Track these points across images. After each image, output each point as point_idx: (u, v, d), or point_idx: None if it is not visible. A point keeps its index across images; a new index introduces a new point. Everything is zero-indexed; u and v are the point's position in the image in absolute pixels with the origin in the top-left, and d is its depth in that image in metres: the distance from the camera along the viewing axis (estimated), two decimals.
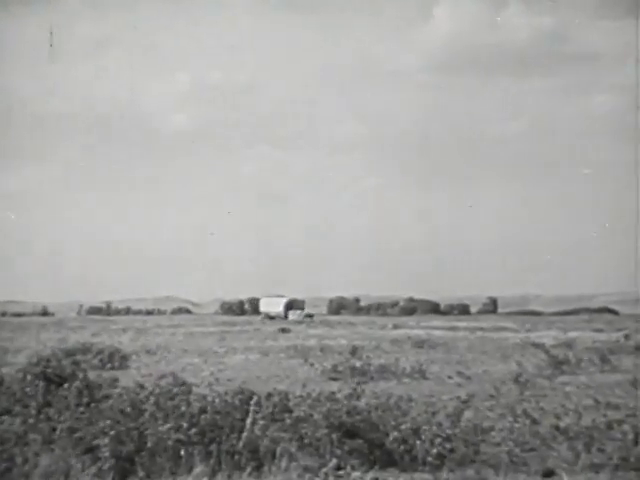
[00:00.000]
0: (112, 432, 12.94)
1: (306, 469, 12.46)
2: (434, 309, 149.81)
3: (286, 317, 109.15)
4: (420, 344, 46.32)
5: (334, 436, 13.33)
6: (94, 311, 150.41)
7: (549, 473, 13.20)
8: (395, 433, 13.64)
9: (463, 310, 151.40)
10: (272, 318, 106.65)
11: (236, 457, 12.96)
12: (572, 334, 56.44)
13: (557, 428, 15.75)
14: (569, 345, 41.85)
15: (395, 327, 74.38)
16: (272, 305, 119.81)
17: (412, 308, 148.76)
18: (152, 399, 14.08)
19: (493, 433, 15.20)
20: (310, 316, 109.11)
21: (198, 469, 12.50)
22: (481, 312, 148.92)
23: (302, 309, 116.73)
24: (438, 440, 13.49)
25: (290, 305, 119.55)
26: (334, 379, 27.01)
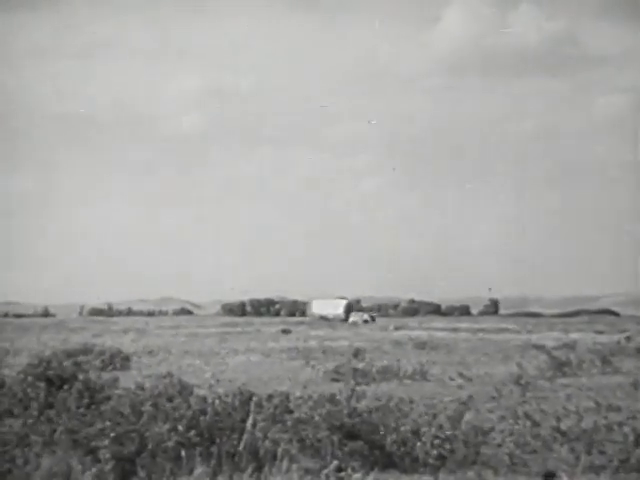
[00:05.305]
0: (113, 433, 12.95)
1: (307, 471, 12.46)
2: (435, 310, 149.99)
3: (346, 320, 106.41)
4: (421, 345, 46.34)
5: (335, 438, 13.33)
6: (95, 312, 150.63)
7: (550, 475, 13.19)
8: (395, 435, 13.63)
9: (464, 311, 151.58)
10: (328, 320, 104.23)
11: (237, 458, 12.96)
12: (573, 336, 56.43)
13: (558, 430, 15.75)
14: (570, 347, 41.79)
15: (396, 328, 74.37)
16: (330, 307, 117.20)
17: (413, 309, 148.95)
18: (152, 400, 14.08)
19: (494, 435, 15.19)
20: (372, 319, 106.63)
21: (199, 470, 12.50)
22: (482, 313, 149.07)
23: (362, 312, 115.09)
24: (438, 442, 13.49)
25: (350, 307, 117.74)
26: (336, 380, 26.98)
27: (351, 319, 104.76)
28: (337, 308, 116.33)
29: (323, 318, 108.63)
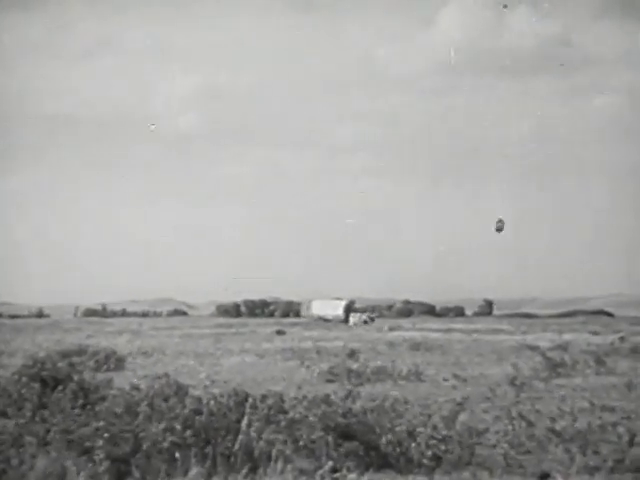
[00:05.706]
0: (107, 434, 12.93)
1: (302, 471, 12.46)
2: (430, 311, 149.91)
3: (346, 320, 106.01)
4: (416, 346, 46.32)
5: (330, 438, 13.32)
6: (90, 313, 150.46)
7: (544, 475, 13.21)
8: (390, 435, 13.63)
9: (459, 312, 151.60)
10: (328, 321, 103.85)
11: (232, 459, 12.95)
12: (568, 336, 56.48)
13: (552, 430, 15.74)
14: (565, 348, 41.84)
15: (391, 329, 74.37)
16: (330, 308, 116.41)
17: (408, 310, 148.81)
18: (147, 401, 14.07)
19: (488, 435, 15.20)
20: (372, 319, 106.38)
21: (194, 471, 12.49)
22: (477, 314, 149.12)
23: (360, 312, 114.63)
24: (433, 442, 13.49)
25: (349, 308, 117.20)
26: (330, 381, 26.97)
27: (351, 320, 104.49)
28: (337, 309, 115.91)
29: (322, 319, 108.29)
